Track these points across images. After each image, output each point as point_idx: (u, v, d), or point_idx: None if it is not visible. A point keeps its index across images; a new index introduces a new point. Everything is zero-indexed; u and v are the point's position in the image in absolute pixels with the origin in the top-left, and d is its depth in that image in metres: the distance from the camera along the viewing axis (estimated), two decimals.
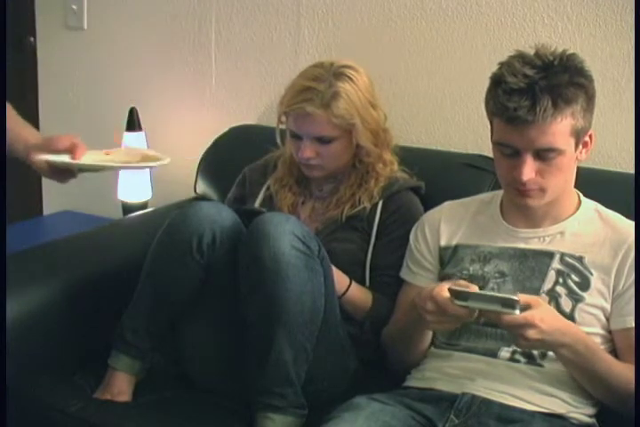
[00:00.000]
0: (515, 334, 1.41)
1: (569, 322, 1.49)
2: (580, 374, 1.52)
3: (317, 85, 1.82)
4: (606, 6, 2.01)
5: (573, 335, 1.46)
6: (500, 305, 1.38)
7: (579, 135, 1.53)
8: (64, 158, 1.63)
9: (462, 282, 1.48)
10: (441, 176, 2.00)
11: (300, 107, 1.82)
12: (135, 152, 1.71)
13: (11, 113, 1.69)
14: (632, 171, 1.91)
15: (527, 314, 1.38)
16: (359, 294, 1.83)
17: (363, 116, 1.85)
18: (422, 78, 2.27)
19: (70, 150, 1.64)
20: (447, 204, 1.80)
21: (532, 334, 1.38)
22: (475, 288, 1.45)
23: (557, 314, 1.48)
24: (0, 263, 1.06)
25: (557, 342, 1.44)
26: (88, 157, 1.65)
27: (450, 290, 1.42)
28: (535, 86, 1.47)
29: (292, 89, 1.86)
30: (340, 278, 1.79)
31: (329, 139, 1.84)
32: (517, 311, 1.37)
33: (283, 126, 1.93)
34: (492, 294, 1.47)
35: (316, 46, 2.39)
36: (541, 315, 1.40)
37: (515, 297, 1.38)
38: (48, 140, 1.66)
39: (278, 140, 1.99)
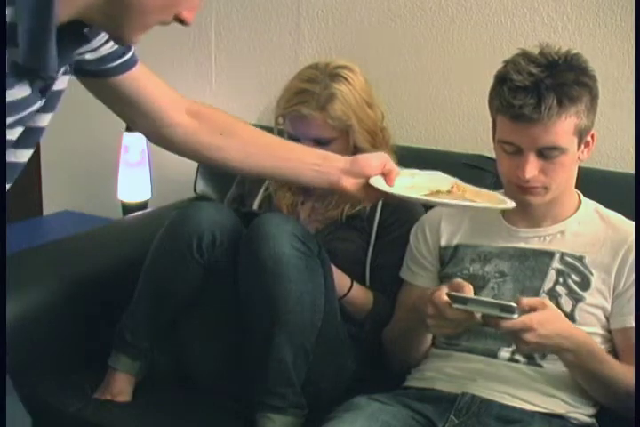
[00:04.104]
0: (514, 337, 1.41)
1: (572, 325, 1.48)
2: (582, 376, 1.52)
3: (313, 87, 1.82)
4: (606, 6, 2.01)
5: (576, 340, 1.45)
6: (498, 310, 1.38)
7: (581, 134, 1.54)
8: (383, 185, 1.51)
9: (458, 280, 1.48)
10: None
11: (295, 109, 1.82)
12: (444, 180, 1.59)
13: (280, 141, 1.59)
14: (631, 171, 1.90)
15: (525, 318, 1.38)
16: (360, 295, 1.83)
17: (359, 116, 1.85)
18: (422, 78, 2.27)
19: (382, 174, 1.52)
20: None
21: (529, 337, 1.38)
22: (470, 288, 1.45)
23: (561, 317, 1.46)
24: (0, 263, 1.06)
25: (558, 346, 1.43)
26: (397, 181, 1.54)
27: (448, 295, 1.42)
28: (541, 84, 1.47)
29: (288, 91, 1.86)
30: (342, 280, 1.79)
31: (326, 140, 1.84)
32: (515, 316, 1.37)
33: (281, 127, 1.93)
34: (491, 300, 1.47)
35: (315, 46, 2.39)
36: (540, 318, 1.39)
37: (512, 304, 1.37)
38: (358, 166, 1.51)
39: None
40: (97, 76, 1.29)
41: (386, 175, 1.52)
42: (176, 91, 1.46)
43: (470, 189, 1.57)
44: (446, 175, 1.60)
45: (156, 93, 1.41)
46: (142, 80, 1.37)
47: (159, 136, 1.46)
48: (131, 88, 1.35)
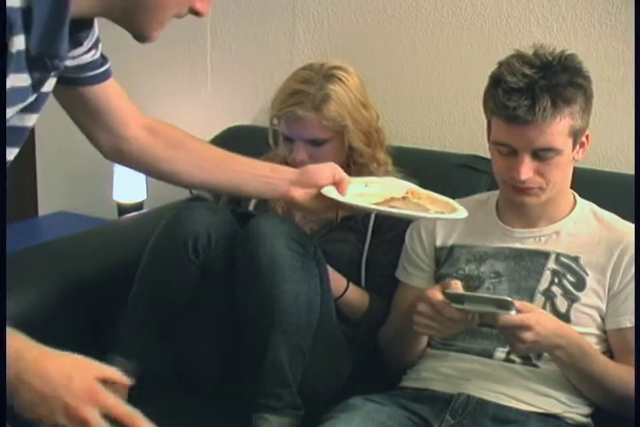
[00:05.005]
0: (511, 336, 1.41)
1: (563, 324, 1.49)
2: (575, 376, 1.52)
3: (308, 88, 1.81)
4: (601, 7, 2.01)
5: (568, 337, 1.46)
6: (495, 307, 1.38)
7: (576, 135, 1.54)
8: (335, 193, 1.53)
9: (447, 280, 1.48)
10: (436, 177, 1.99)
11: (290, 110, 1.82)
12: (399, 186, 1.60)
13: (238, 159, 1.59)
14: (626, 171, 1.91)
15: (523, 316, 1.39)
16: (356, 296, 1.83)
17: (354, 117, 1.84)
18: (417, 79, 2.27)
19: (334, 184, 1.55)
20: None
21: (528, 336, 1.39)
22: (457, 282, 1.45)
23: (552, 316, 1.48)
24: (0, 263, 1.06)
25: (552, 344, 1.44)
26: (350, 190, 1.56)
27: (444, 294, 1.42)
28: (535, 86, 1.48)
29: (283, 92, 1.85)
30: (338, 281, 1.79)
31: (321, 141, 1.84)
32: (513, 312, 1.38)
33: (276, 128, 1.93)
34: (486, 295, 1.47)
35: (311, 47, 2.40)
36: (537, 318, 1.40)
37: (509, 298, 1.38)
38: (308, 176, 1.56)
39: (271, 142, 1.99)
40: (72, 84, 1.31)
41: (337, 184, 1.55)
42: (136, 105, 1.50)
43: (425, 195, 1.58)
44: (402, 181, 1.61)
45: (123, 108, 1.46)
46: (112, 93, 1.41)
47: (115, 149, 1.50)
48: (101, 100, 1.39)
